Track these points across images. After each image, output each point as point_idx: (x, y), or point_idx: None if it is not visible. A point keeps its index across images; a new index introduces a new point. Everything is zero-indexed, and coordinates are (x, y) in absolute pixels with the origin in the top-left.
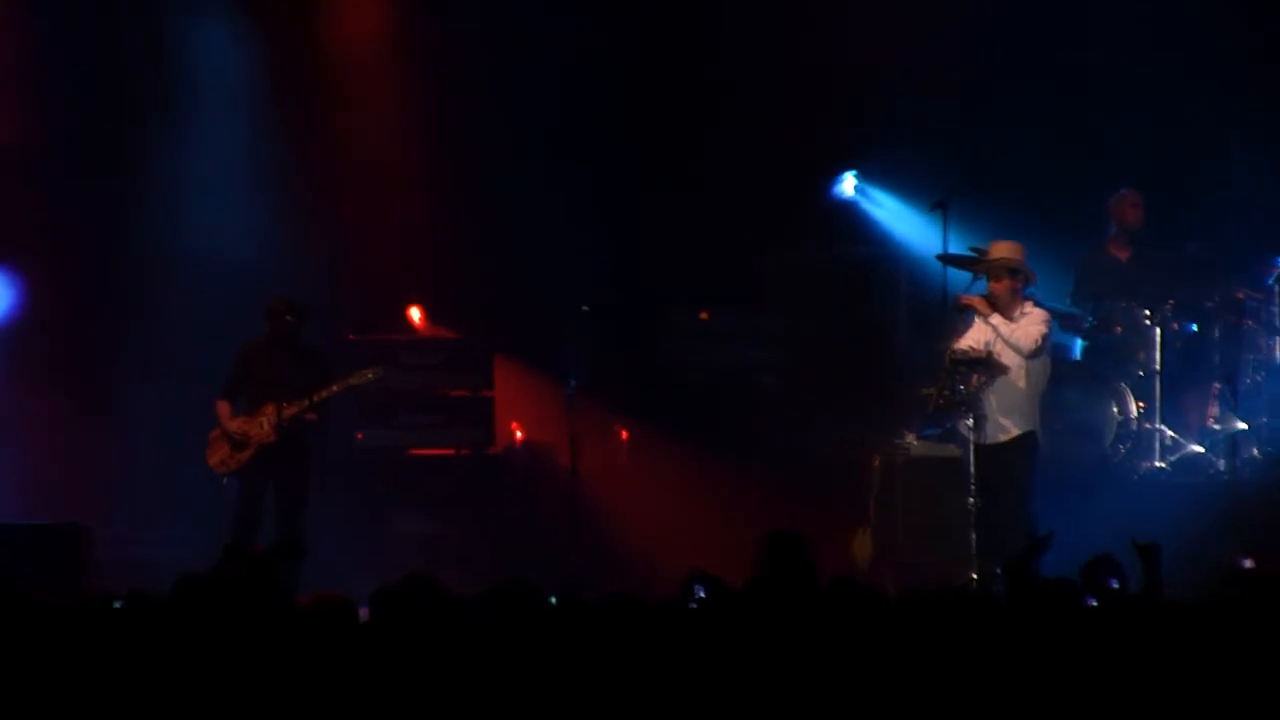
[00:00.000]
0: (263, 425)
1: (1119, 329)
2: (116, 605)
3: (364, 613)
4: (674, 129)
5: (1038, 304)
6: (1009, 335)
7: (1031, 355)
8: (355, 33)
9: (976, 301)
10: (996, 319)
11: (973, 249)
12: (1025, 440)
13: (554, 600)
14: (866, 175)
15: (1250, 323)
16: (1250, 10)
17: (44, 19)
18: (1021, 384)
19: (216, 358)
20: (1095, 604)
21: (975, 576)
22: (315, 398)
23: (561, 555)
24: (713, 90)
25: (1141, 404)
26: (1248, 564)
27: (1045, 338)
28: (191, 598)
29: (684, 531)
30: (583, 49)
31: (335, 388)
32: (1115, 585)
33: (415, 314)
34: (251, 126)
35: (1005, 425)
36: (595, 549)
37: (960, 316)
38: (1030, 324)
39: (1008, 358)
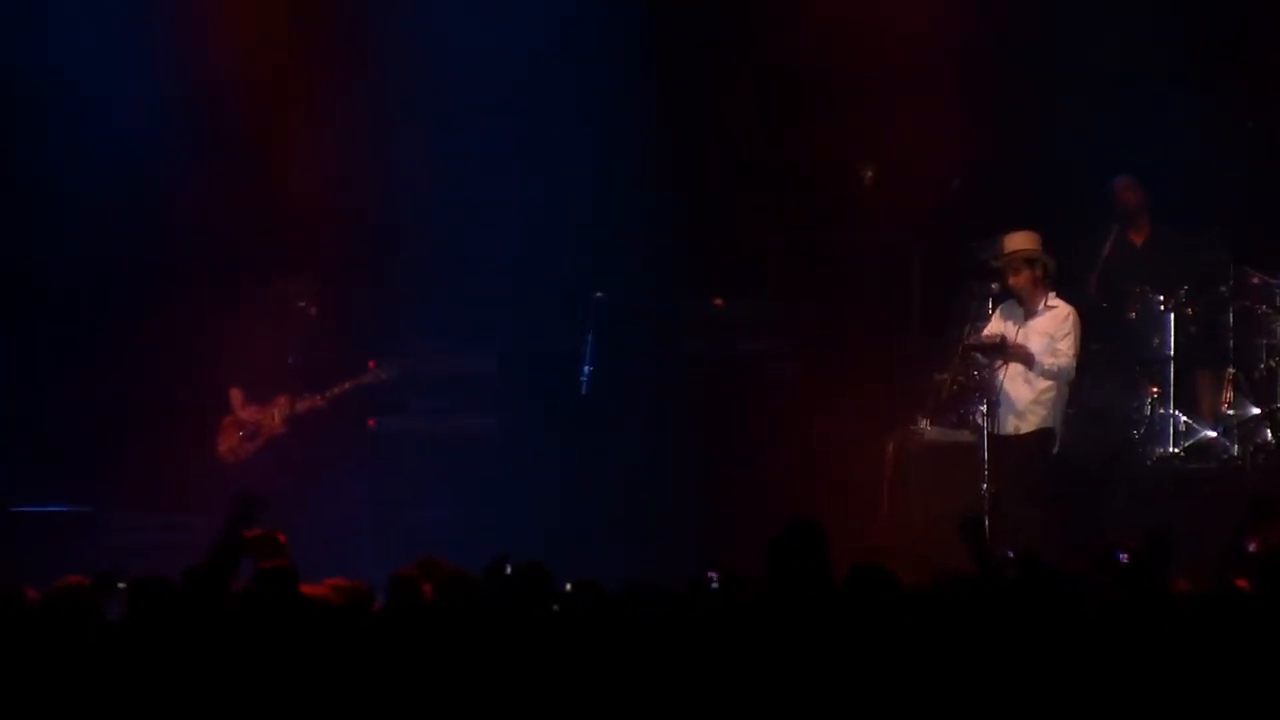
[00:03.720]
0: (274, 417)
1: (1133, 314)
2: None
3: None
4: (686, 115)
5: (1060, 295)
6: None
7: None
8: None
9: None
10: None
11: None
12: (1040, 435)
13: (569, 586)
14: (882, 160)
15: (1264, 307)
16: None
17: None
18: (1044, 380)
19: (227, 342)
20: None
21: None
22: (329, 394)
23: (573, 541)
24: (724, 76)
25: (1155, 389)
26: (1251, 547)
27: (1075, 347)
28: (199, 588)
29: (700, 520)
30: (596, 38)
31: (348, 385)
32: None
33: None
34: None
35: (1023, 417)
36: (608, 535)
37: (976, 305)
38: (1064, 343)
39: (1032, 348)
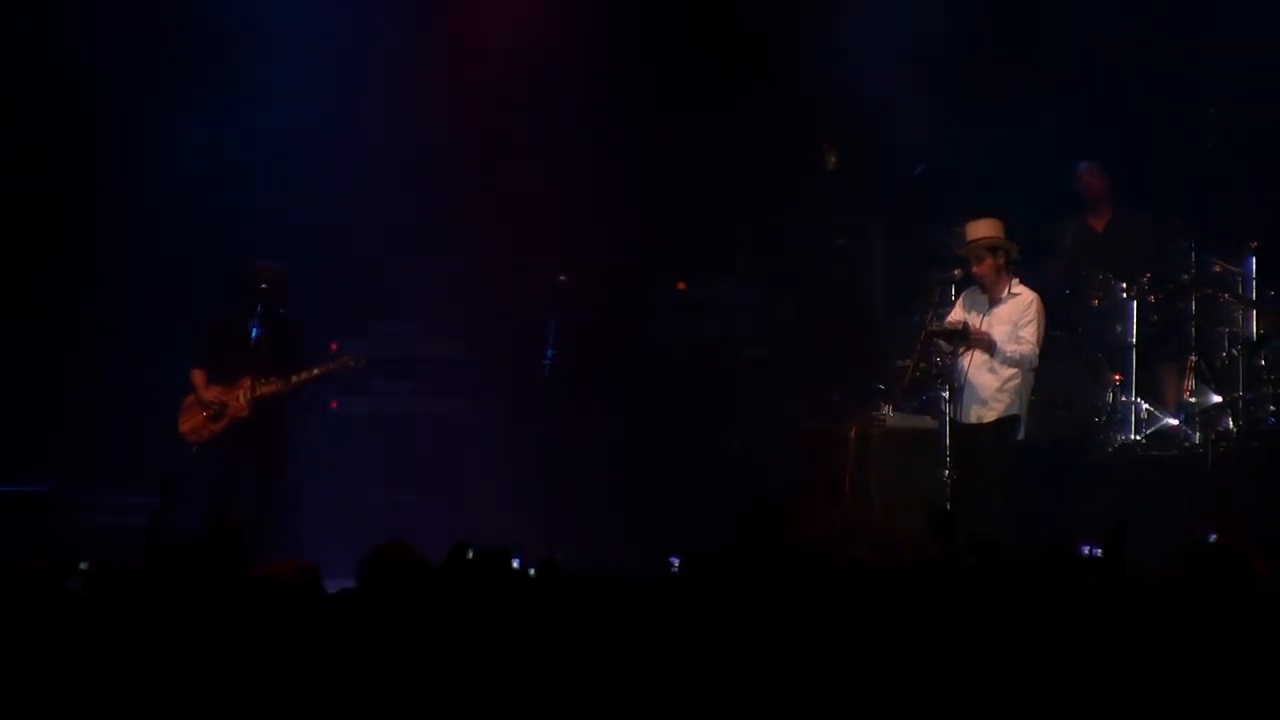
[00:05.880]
0: (239, 399)
1: (1096, 300)
2: (83, 566)
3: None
4: (652, 99)
5: (1024, 282)
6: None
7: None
8: None
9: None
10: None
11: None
12: (1004, 424)
13: (531, 571)
14: (847, 144)
15: (1226, 296)
16: None
17: None
18: (1008, 368)
19: (190, 322)
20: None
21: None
22: (294, 379)
23: (538, 523)
24: (694, 59)
25: (1118, 376)
26: (1213, 538)
27: (1039, 334)
28: (170, 567)
29: (666, 502)
30: (561, 22)
31: (316, 371)
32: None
33: None
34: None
35: (987, 406)
36: (572, 518)
37: (939, 291)
38: (1026, 330)
39: (995, 335)
